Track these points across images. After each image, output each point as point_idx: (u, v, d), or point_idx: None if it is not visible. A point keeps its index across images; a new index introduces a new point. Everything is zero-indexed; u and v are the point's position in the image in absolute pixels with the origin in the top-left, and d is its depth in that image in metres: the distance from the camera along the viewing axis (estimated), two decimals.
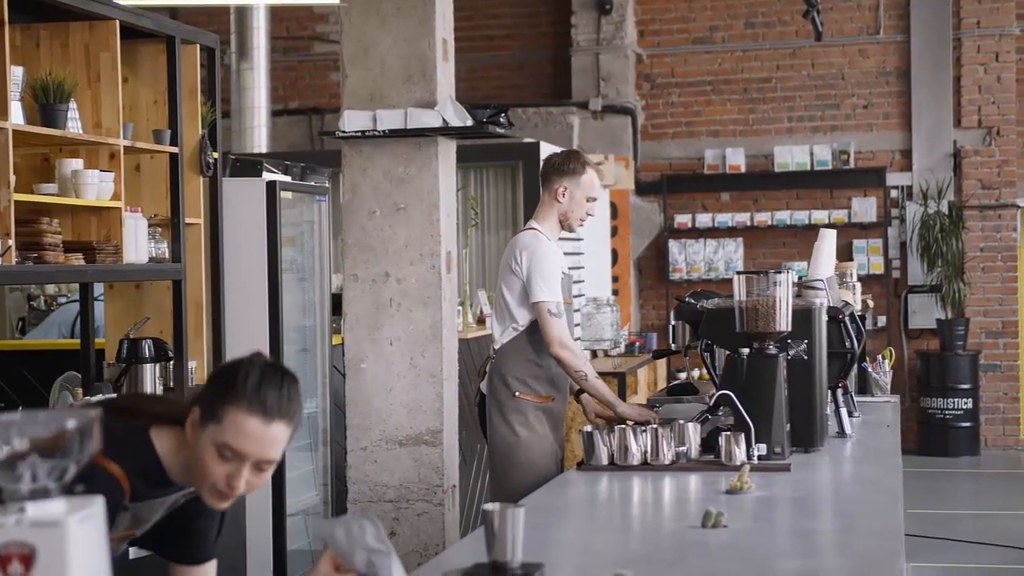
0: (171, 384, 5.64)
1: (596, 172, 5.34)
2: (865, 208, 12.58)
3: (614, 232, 12.26)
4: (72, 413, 1.84)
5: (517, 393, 5.17)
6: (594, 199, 5.31)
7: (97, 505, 1.83)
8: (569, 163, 5.29)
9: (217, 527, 2.94)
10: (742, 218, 12.77)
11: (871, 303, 10.95)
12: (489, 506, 2.74)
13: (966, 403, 12.19)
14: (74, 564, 1.76)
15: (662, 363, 11.19)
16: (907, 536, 7.96)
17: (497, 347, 5.26)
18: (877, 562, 2.92)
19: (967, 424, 12.21)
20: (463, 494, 6.86)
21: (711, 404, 4.51)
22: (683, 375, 12.03)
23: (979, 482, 11.55)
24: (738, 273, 4.53)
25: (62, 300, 8.35)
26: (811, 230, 12.54)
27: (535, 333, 5.15)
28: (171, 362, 5.62)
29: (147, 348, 5.48)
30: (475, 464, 7.52)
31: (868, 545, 3.11)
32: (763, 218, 12.72)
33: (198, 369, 5.82)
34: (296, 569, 6.48)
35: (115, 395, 4.91)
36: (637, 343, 11.16)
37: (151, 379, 5.48)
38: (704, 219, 12.84)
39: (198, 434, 2.61)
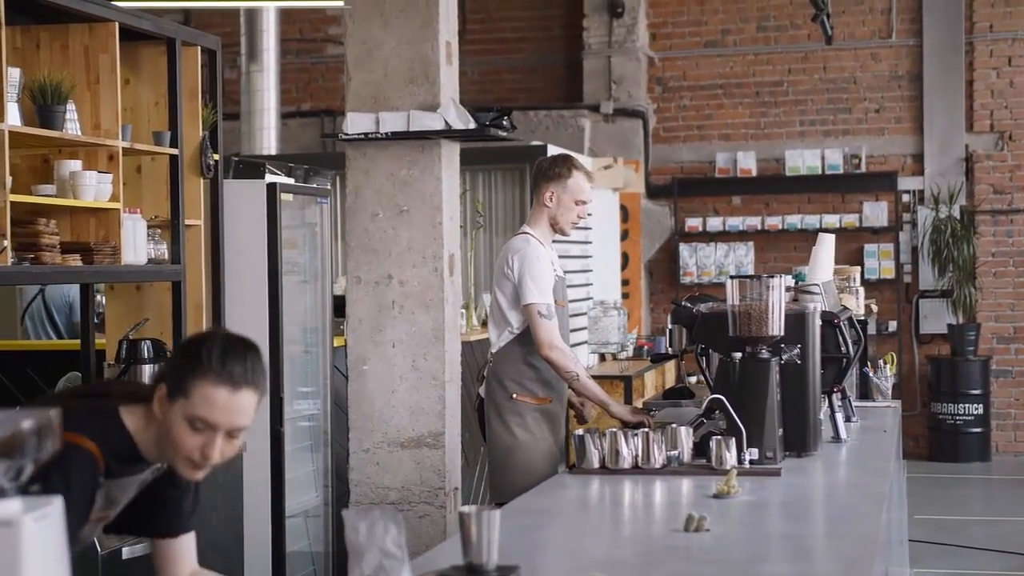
0: None
1: (585, 175, 5.36)
2: (876, 212, 12.55)
3: (625, 235, 12.25)
4: (28, 413, 1.85)
5: (514, 395, 5.22)
6: (584, 202, 5.33)
7: (54, 505, 1.84)
8: (556, 167, 5.33)
9: (192, 500, 2.98)
10: (753, 222, 12.75)
11: (875, 308, 10.91)
12: (465, 508, 2.75)
13: (977, 408, 12.14)
14: (29, 564, 1.77)
15: (671, 367, 11.17)
16: (914, 542, 7.99)
17: (494, 351, 5.33)
18: (852, 566, 2.92)
19: (978, 430, 12.17)
20: (465, 497, 6.86)
21: (704, 409, 4.50)
22: (693, 379, 12.00)
23: (989, 488, 11.51)
24: (731, 277, 4.53)
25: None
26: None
27: (530, 335, 5.18)
28: None
29: (146, 349, 5.49)
30: (477, 467, 7.53)
31: (845, 549, 3.11)
32: (774, 222, 12.69)
33: None
34: (295, 571, 6.49)
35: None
36: (646, 347, 11.15)
37: (149, 380, 5.50)
38: (715, 223, 12.83)
39: (167, 410, 2.68)
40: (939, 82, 12.52)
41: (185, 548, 2.99)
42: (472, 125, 5.80)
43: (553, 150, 10.04)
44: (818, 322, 4.71)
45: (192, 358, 2.67)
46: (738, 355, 4.44)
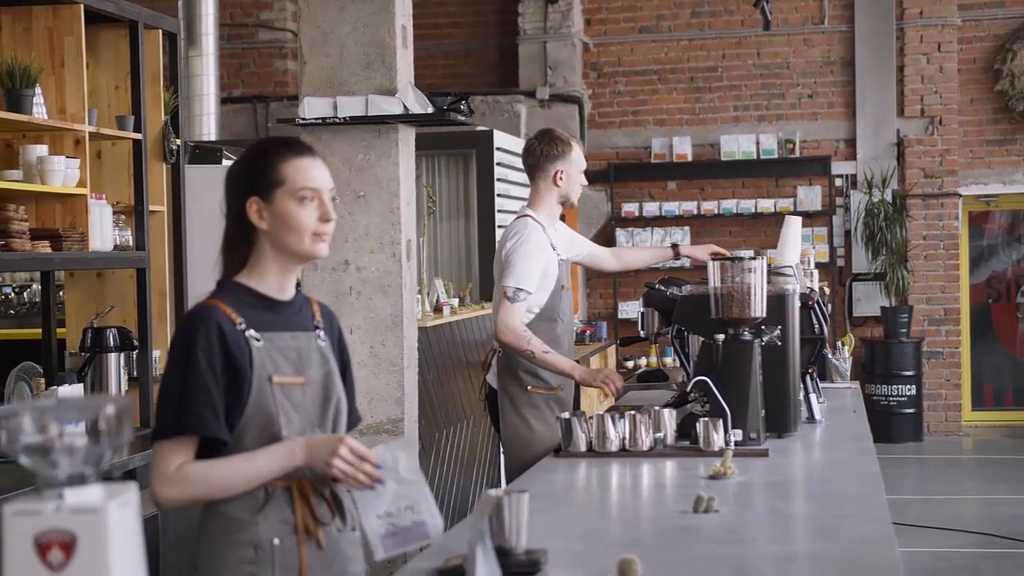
0: (135, 374, 5.57)
1: (577, 142, 5.44)
2: (810, 197, 12.69)
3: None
4: (109, 399, 1.82)
5: (529, 387, 5.17)
6: (584, 169, 5.44)
7: (132, 492, 1.81)
8: (557, 146, 5.32)
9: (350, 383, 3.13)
10: (689, 207, 12.82)
11: (827, 289, 11.06)
12: (494, 492, 2.74)
13: (909, 390, 12.33)
14: (114, 550, 1.75)
15: (611, 351, 11.24)
16: None
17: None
18: (875, 545, 2.95)
19: (910, 410, 12.37)
20: None
21: (688, 390, 4.51)
22: (632, 362, 12.06)
23: (922, 467, 11.69)
24: (713, 258, 4.55)
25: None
26: (757, 219, 12.64)
27: (540, 322, 5.12)
28: (135, 351, 5.55)
29: (112, 337, 5.40)
30: (434, 453, 7.50)
31: (862, 529, 3.13)
32: (710, 207, 12.78)
33: (163, 358, 5.76)
34: None
35: None
36: (588, 332, 11.20)
37: (115, 368, 5.40)
38: (651, 208, 12.89)
39: (272, 210, 2.87)
40: (871, 68, 12.68)
41: None
42: (430, 110, 5.78)
43: (499, 136, 10.04)
44: (797, 303, 4.75)
45: (263, 159, 2.88)
46: (721, 337, 4.46)
